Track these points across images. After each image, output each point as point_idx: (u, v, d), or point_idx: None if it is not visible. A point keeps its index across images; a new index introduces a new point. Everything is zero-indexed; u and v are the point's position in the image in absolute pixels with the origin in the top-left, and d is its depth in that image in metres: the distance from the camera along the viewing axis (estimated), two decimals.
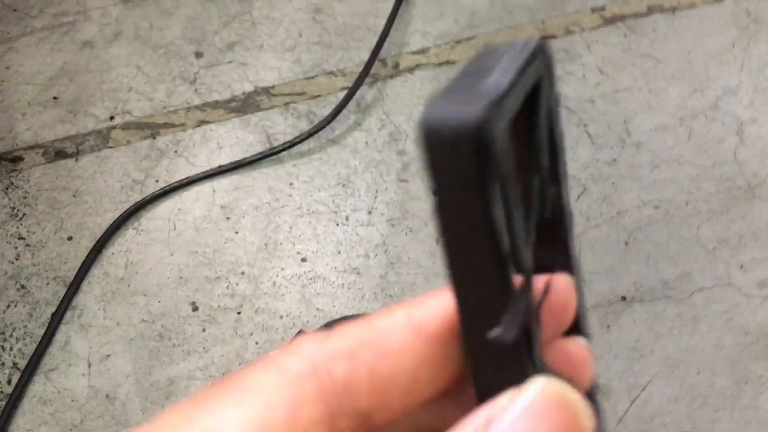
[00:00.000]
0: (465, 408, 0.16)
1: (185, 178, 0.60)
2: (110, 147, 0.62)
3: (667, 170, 0.59)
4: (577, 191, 0.58)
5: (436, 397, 0.17)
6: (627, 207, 0.57)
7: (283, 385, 0.15)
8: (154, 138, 0.63)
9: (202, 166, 0.61)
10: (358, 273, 0.56)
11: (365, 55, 0.64)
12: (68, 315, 0.55)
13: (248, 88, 0.65)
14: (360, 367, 0.15)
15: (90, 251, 0.57)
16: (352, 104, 0.62)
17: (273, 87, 0.64)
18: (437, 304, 0.16)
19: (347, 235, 0.57)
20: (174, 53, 0.67)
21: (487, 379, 0.16)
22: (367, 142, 0.61)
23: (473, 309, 0.15)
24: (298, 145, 0.61)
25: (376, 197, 0.59)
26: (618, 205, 0.57)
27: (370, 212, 0.58)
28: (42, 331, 0.54)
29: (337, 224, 0.58)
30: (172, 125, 0.63)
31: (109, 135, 0.63)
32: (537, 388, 0.15)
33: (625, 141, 0.60)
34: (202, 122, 0.63)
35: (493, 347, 0.15)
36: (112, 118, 0.64)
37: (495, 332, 0.15)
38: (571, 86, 0.62)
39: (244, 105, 0.64)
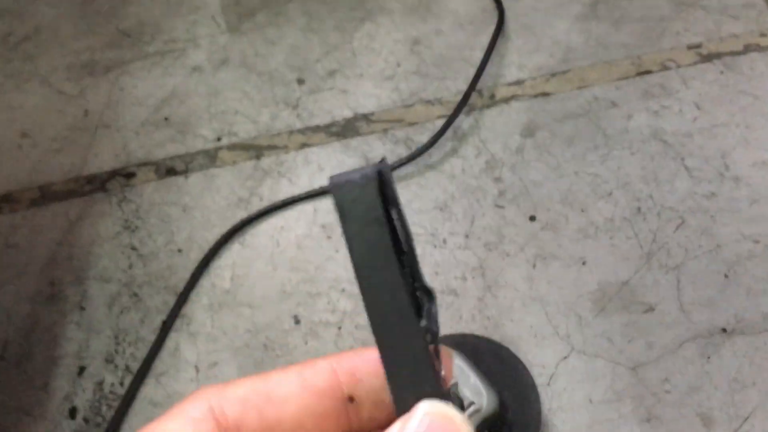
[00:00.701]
0: None
1: (288, 198, 0.63)
2: (217, 166, 0.66)
3: (766, 205, 0.59)
4: (675, 223, 0.58)
5: None
6: (726, 240, 0.57)
7: (185, 427, 0.18)
8: (259, 159, 0.66)
9: (304, 186, 0.64)
10: (455, 294, 0.57)
11: (461, 85, 0.67)
12: (178, 323, 0.57)
13: (348, 114, 0.67)
14: (250, 409, 0.19)
15: (198, 263, 0.60)
16: (449, 132, 0.64)
17: (372, 114, 0.67)
18: (326, 365, 0.20)
19: (445, 258, 0.59)
20: (278, 79, 0.70)
21: (401, 394, 0.19)
22: (463, 169, 0.63)
23: (389, 317, 0.19)
24: (397, 170, 0.63)
25: (472, 222, 0.60)
26: (717, 238, 0.57)
27: (467, 236, 0.60)
28: (153, 337, 0.57)
29: (435, 246, 0.60)
30: (276, 147, 0.66)
31: (217, 155, 0.66)
32: (422, 411, 0.18)
33: (724, 175, 0.60)
34: (303, 145, 0.66)
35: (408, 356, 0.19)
36: (219, 139, 0.67)
37: (421, 323, 0.19)
38: (668, 120, 0.63)
39: (344, 130, 0.66)
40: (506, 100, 0.66)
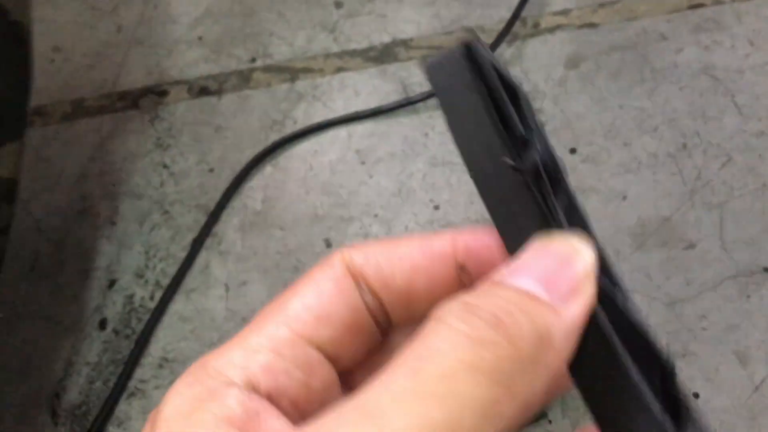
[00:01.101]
0: None
1: (322, 122, 0.62)
2: (251, 87, 0.64)
3: None
4: (722, 160, 0.57)
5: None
6: None
7: (328, 283, 0.20)
8: (293, 82, 0.64)
9: (339, 111, 0.62)
10: (490, 224, 0.56)
11: (505, 13, 0.64)
12: (208, 241, 0.57)
13: (386, 39, 0.65)
14: (371, 262, 0.21)
15: (230, 183, 0.59)
16: None
17: (411, 39, 0.65)
18: (446, 235, 0.21)
19: None
20: (315, 2, 0.68)
21: (509, 227, 0.19)
22: None
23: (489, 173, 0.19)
24: (434, 98, 0.61)
25: None
26: (764, 177, 0.56)
27: None
28: (183, 254, 0.56)
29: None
30: (311, 70, 0.65)
31: (251, 76, 0.65)
32: (539, 241, 0.18)
33: None
34: (339, 69, 0.64)
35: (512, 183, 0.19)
36: (253, 60, 0.66)
37: (510, 161, 0.19)
38: (719, 56, 0.61)
39: (382, 55, 0.65)
40: (551, 29, 0.64)
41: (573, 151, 0.58)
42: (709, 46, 0.61)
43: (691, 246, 0.54)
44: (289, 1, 0.68)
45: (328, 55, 0.65)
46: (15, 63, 0.48)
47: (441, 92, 0.19)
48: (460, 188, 0.58)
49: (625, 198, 0.56)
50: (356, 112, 0.62)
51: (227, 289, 0.55)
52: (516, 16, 0.63)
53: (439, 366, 0.16)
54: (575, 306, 0.17)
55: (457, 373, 0.16)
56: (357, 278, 0.21)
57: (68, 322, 0.55)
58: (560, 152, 0.58)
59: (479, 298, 0.17)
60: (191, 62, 0.66)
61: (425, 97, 0.61)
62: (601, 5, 0.64)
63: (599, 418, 0.18)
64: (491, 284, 0.18)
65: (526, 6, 0.64)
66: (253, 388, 0.19)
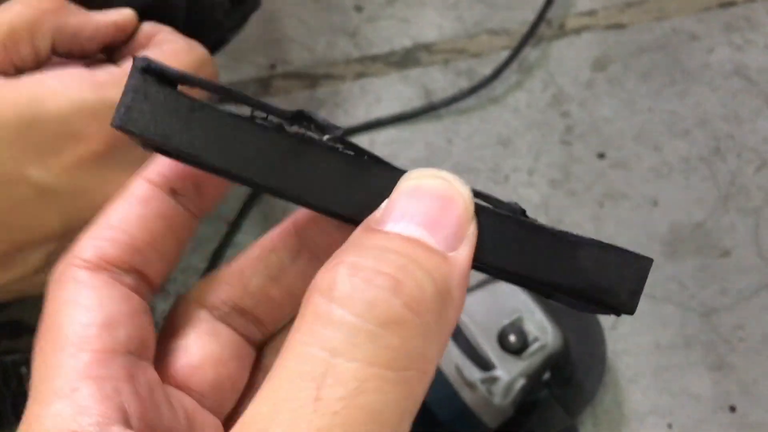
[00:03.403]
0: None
1: (344, 129, 0.60)
2: (271, 95, 0.63)
3: None
4: (756, 164, 0.55)
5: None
6: None
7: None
8: (314, 88, 0.63)
9: (360, 117, 0.61)
10: None
11: (529, 15, 0.63)
12: (229, 252, 0.56)
13: (408, 43, 0.64)
14: (101, 240, 0.19)
15: (251, 193, 0.58)
16: (514, 64, 0.61)
17: (433, 43, 0.64)
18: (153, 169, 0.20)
19: (506, 194, 0.56)
20: (335, 7, 0.67)
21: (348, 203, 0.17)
22: (528, 103, 0.60)
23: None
24: (458, 103, 0.60)
25: (537, 158, 0.57)
26: None
27: (530, 173, 0.57)
28: (204, 266, 0.56)
29: (496, 183, 0.57)
30: (332, 76, 0.64)
31: (271, 83, 0.64)
32: (409, 179, 0.17)
33: None
34: (361, 75, 0.63)
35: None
36: (273, 67, 0.65)
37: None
38: (753, 55, 0.59)
39: (404, 60, 0.63)
40: (577, 31, 0.62)
41: (601, 156, 0.57)
42: (741, 45, 0.59)
43: (726, 253, 0.52)
44: (309, 6, 0.67)
45: (348, 61, 0.64)
46: None
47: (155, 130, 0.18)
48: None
49: (656, 204, 0.54)
50: (378, 119, 0.61)
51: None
52: (541, 17, 0.62)
53: (336, 379, 0.14)
54: (464, 250, 0.16)
55: (359, 385, 0.14)
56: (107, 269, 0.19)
57: None
58: (588, 157, 0.57)
59: (364, 255, 0.16)
60: None
61: (448, 103, 0.60)
62: (629, 5, 0.62)
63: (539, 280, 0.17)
64: (368, 233, 0.16)
65: (552, 7, 0.62)
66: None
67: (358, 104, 0.62)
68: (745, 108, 0.57)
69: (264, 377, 0.20)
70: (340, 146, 0.18)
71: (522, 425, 0.44)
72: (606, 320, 0.50)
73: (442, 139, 0.59)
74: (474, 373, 0.42)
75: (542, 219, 0.55)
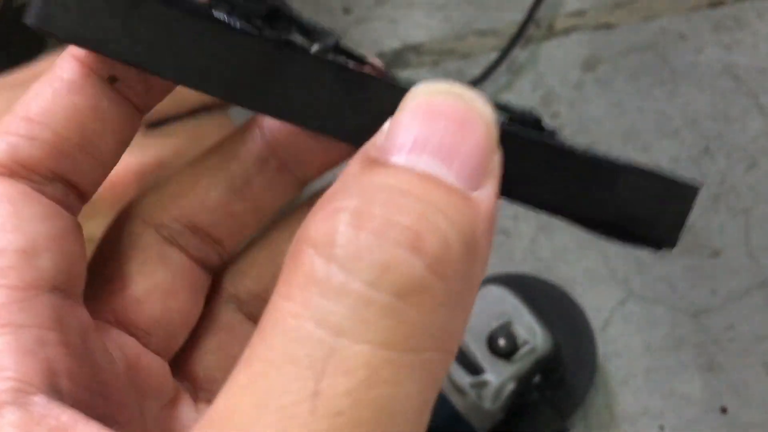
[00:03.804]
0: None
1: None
2: None
3: None
4: (746, 164, 0.55)
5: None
6: None
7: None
8: None
9: None
10: (507, 234, 0.54)
11: (517, 16, 0.63)
12: None
13: (396, 45, 0.64)
14: (17, 137, 0.14)
15: None
16: (503, 65, 0.61)
17: (422, 45, 0.64)
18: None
19: None
20: (322, 8, 0.67)
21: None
22: (517, 104, 0.60)
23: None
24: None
25: None
26: None
27: None
28: None
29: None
30: None
31: None
32: (416, 92, 0.13)
33: None
34: None
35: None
36: None
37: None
38: (741, 55, 0.59)
39: (393, 62, 0.63)
40: (566, 31, 0.62)
41: None
42: (730, 45, 0.59)
43: (716, 254, 0.52)
44: (295, 7, 0.67)
45: None
46: None
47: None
48: None
49: None
50: None
51: None
52: (529, 18, 0.62)
53: (341, 368, 0.11)
54: (489, 188, 0.13)
55: (371, 375, 0.11)
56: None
57: None
58: None
59: (369, 199, 0.12)
60: None
61: None
62: (617, 5, 0.62)
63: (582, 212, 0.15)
64: (371, 166, 0.12)
65: (540, 7, 0.62)
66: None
67: None
68: (734, 107, 0.57)
69: (223, 310, 0.17)
70: (331, 56, 0.14)
71: (513, 429, 0.44)
72: (595, 322, 0.50)
73: None
74: (463, 378, 0.42)
75: (532, 221, 0.55)
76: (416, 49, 0.63)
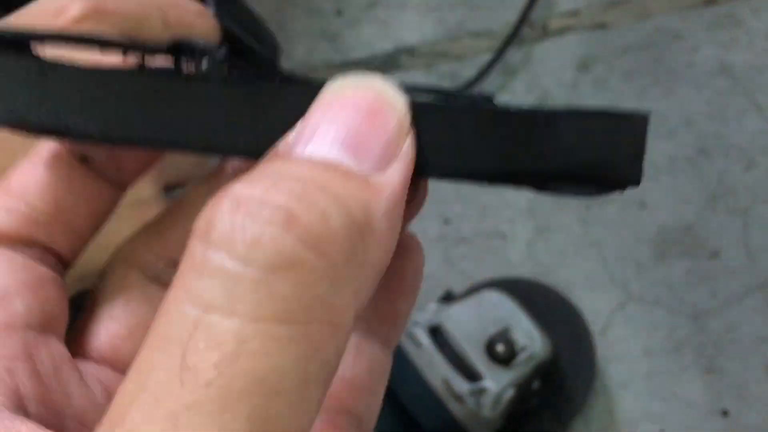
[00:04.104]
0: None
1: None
2: None
3: None
4: (744, 163, 0.54)
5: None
6: None
7: None
8: None
9: None
10: (504, 238, 0.54)
11: (511, 16, 0.62)
12: None
13: (389, 47, 0.63)
14: None
15: None
16: (497, 66, 0.60)
17: (415, 47, 0.63)
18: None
19: (492, 199, 0.56)
20: (315, 11, 0.66)
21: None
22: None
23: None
24: None
25: None
26: None
27: None
28: None
29: (481, 188, 0.56)
30: None
31: None
32: (329, 89, 0.14)
33: None
34: None
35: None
36: None
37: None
38: (737, 54, 0.58)
39: (385, 64, 0.63)
40: (560, 31, 0.61)
41: None
42: (725, 43, 0.58)
43: (715, 255, 0.52)
44: (288, 10, 0.66)
45: (329, 66, 0.63)
46: None
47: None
48: (471, 201, 0.56)
49: (643, 206, 0.54)
50: None
51: None
52: (523, 18, 0.61)
53: (209, 342, 0.11)
54: (395, 172, 0.13)
55: (238, 347, 0.11)
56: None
57: None
58: None
59: (254, 185, 0.12)
60: None
61: None
62: (612, 4, 0.62)
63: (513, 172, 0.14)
64: (271, 159, 0.13)
65: (534, 8, 0.62)
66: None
67: None
68: (731, 107, 0.56)
69: None
70: (229, 71, 0.15)
71: None
72: (594, 326, 0.49)
73: None
74: (462, 385, 0.41)
75: (529, 224, 0.54)
76: (409, 51, 0.63)
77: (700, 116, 0.56)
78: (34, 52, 0.15)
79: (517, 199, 0.55)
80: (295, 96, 0.14)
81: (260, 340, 0.11)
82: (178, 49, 0.15)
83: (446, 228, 0.55)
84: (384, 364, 0.18)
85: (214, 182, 0.17)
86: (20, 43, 0.15)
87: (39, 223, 0.16)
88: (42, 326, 0.16)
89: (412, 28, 0.64)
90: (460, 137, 0.14)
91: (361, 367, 0.17)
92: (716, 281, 0.51)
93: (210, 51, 0.15)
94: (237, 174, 0.17)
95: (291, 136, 0.13)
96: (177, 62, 0.15)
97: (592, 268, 0.52)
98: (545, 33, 0.62)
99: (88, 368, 0.17)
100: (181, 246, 0.15)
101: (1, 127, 0.15)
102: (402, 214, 0.14)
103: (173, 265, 0.17)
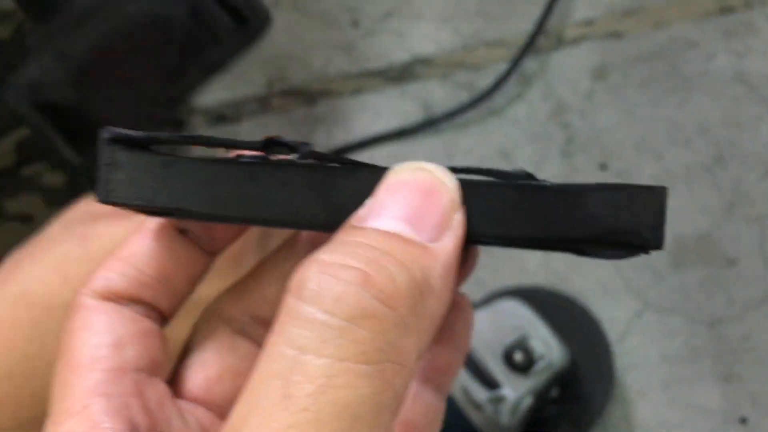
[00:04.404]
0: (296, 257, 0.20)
1: (343, 146, 0.60)
2: (269, 113, 0.63)
3: None
4: (760, 171, 0.54)
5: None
6: None
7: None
8: (312, 105, 0.63)
9: (360, 134, 0.61)
10: None
11: (526, 26, 0.63)
12: None
13: (405, 57, 0.64)
14: (111, 273, 0.20)
15: None
16: (513, 76, 0.61)
17: (431, 57, 0.64)
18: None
19: None
20: (331, 22, 0.67)
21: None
22: (528, 115, 0.60)
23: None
24: (458, 116, 0.60)
25: (538, 170, 0.57)
26: None
27: None
28: None
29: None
30: (330, 93, 0.63)
31: (269, 101, 0.64)
32: (391, 174, 0.17)
33: None
34: (358, 91, 0.63)
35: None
36: (270, 85, 0.65)
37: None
38: (752, 61, 0.58)
39: (401, 75, 0.63)
40: (575, 41, 0.62)
41: (603, 167, 0.56)
42: (741, 51, 0.59)
43: (732, 263, 0.52)
44: (304, 22, 0.67)
45: (346, 77, 0.64)
46: None
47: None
48: None
49: None
50: (377, 135, 0.60)
51: None
52: (539, 28, 0.61)
53: (305, 376, 0.14)
54: (448, 240, 0.16)
55: (328, 381, 0.14)
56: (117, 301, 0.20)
57: None
58: (589, 168, 0.56)
59: (335, 252, 0.16)
60: (209, 90, 0.65)
61: (448, 116, 0.60)
62: (627, 13, 0.62)
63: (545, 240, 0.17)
64: (347, 230, 0.16)
65: (549, 17, 0.62)
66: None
67: (356, 120, 0.62)
68: (747, 114, 0.56)
69: None
70: (314, 161, 0.18)
71: None
72: (611, 334, 0.49)
73: (442, 154, 0.59)
74: (480, 394, 0.41)
75: None
76: (425, 61, 0.63)
77: (715, 124, 0.56)
78: (157, 150, 0.19)
79: None
80: (363, 179, 0.17)
81: (344, 376, 0.14)
82: (270, 144, 0.18)
83: None
84: (438, 409, 0.21)
85: (289, 250, 0.21)
86: (147, 143, 0.19)
87: (146, 285, 0.20)
88: (148, 369, 0.19)
89: (427, 39, 0.64)
90: (503, 210, 0.16)
91: (417, 411, 0.20)
92: (733, 289, 0.51)
93: (297, 145, 0.18)
94: (310, 243, 0.20)
95: (362, 212, 0.16)
96: (268, 154, 0.18)
97: (608, 277, 0.52)
98: (560, 42, 0.62)
99: (185, 406, 0.20)
100: (263, 304, 0.20)
101: (131, 208, 0.19)
102: (455, 276, 0.17)
103: (256, 320, 0.20)
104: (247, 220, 0.18)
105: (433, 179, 0.16)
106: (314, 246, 0.20)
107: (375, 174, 0.17)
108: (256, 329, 0.21)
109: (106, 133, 0.18)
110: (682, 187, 0.55)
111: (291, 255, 0.21)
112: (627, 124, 0.58)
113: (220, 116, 0.63)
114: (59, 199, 0.48)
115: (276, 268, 0.21)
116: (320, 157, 0.18)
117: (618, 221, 0.16)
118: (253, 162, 0.18)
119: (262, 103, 0.64)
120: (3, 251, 0.46)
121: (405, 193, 0.16)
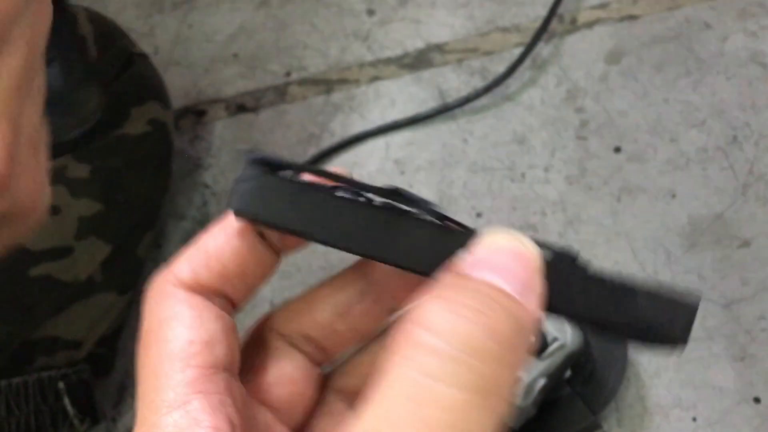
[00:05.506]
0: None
1: (360, 133, 0.61)
2: (287, 102, 0.64)
3: None
4: None
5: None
6: None
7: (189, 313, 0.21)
8: (329, 93, 0.64)
9: (376, 121, 0.62)
10: (534, 230, 0.55)
11: (540, 11, 0.63)
12: None
13: (420, 44, 0.65)
14: (197, 265, 0.21)
15: None
16: (527, 61, 0.61)
17: (446, 43, 0.64)
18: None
19: (523, 192, 0.57)
20: (347, 11, 0.68)
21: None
22: (543, 99, 0.60)
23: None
24: (472, 102, 0.61)
25: (553, 154, 0.58)
26: None
27: (546, 169, 0.57)
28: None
29: (513, 181, 0.57)
30: (346, 81, 0.64)
31: (286, 90, 0.65)
32: (489, 236, 0.19)
33: None
34: (374, 78, 0.64)
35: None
36: (288, 74, 0.66)
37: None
38: (767, 42, 0.58)
39: (417, 61, 0.64)
40: (589, 24, 0.62)
41: (617, 149, 0.57)
42: (756, 32, 0.58)
43: (746, 244, 0.52)
44: (321, 11, 0.68)
45: (362, 65, 0.65)
46: (161, 164, 0.56)
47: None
48: (502, 194, 0.57)
49: (674, 196, 0.54)
50: (393, 122, 0.61)
51: (272, 305, 0.55)
52: (552, 12, 0.62)
53: (437, 404, 0.16)
54: (534, 299, 0.18)
55: (455, 410, 0.16)
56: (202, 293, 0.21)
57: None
58: (604, 152, 0.57)
59: (453, 290, 0.18)
60: (228, 80, 0.66)
61: (462, 102, 0.60)
62: None
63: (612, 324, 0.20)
64: (457, 276, 0.18)
65: (563, 1, 0.62)
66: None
67: (372, 108, 0.62)
68: (762, 95, 0.56)
69: (331, 399, 0.24)
70: (427, 216, 0.20)
71: (545, 424, 0.45)
72: None
73: (457, 139, 0.60)
74: None
75: (559, 216, 0.55)
76: (440, 48, 0.64)
77: (730, 105, 0.56)
78: (291, 177, 0.21)
79: (547, 191, 0.56)
80: (461, 236, 0.20)
81: (469, 406, 0.17)
82: (395, 194, 0.20)
83: (478, 221, 0.56)
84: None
85: (343, 284, 0.23)
86: (283, 168, 0.21)
87: (228, 279, 0.21)
88: (231, 368, 0.21)
89: (442, 25, 0.65)
90: (568, 289, 0.20)
91: None
92: (747, 270, 0.51)
93: (421, 201, 0.20)
94: (386, 277, 0.23)
95: (465, 261, 0.19)
96: (393, 202, 0.20)
97: (622, 258, 0.53)
98: (574, 26, 0.62)
99: (253, 406, 0.22)
100: (314, 326, 0.23)
101: (258, 223, 0.21)
102: (537, 330, 0.19)
103: (306, 338, 0.23)
104: (358, 253, 0.20)
105: (524, 247, 0.19)
106: (377, 283, 0.23)
107: (469, 234, 0.20)
108: (306, 345, 0.23)
109: (251, 155, 0.20)
110: (696, 168, 0.55)
111: (345, 288, 0.23)
112: (641, 107, 0.58)
113: (239, 106, 0.64)
114: (83, 190, 0.50)
115: (330, 297, 0.23)
116: (435, 214, 0.20)
117: (657, 320, 0.19)
118: (382, 207, 0.20)
119: (281, 92, 0.65)
120: (31, 241, 0.48)
121: (502, 254, 0.19)
